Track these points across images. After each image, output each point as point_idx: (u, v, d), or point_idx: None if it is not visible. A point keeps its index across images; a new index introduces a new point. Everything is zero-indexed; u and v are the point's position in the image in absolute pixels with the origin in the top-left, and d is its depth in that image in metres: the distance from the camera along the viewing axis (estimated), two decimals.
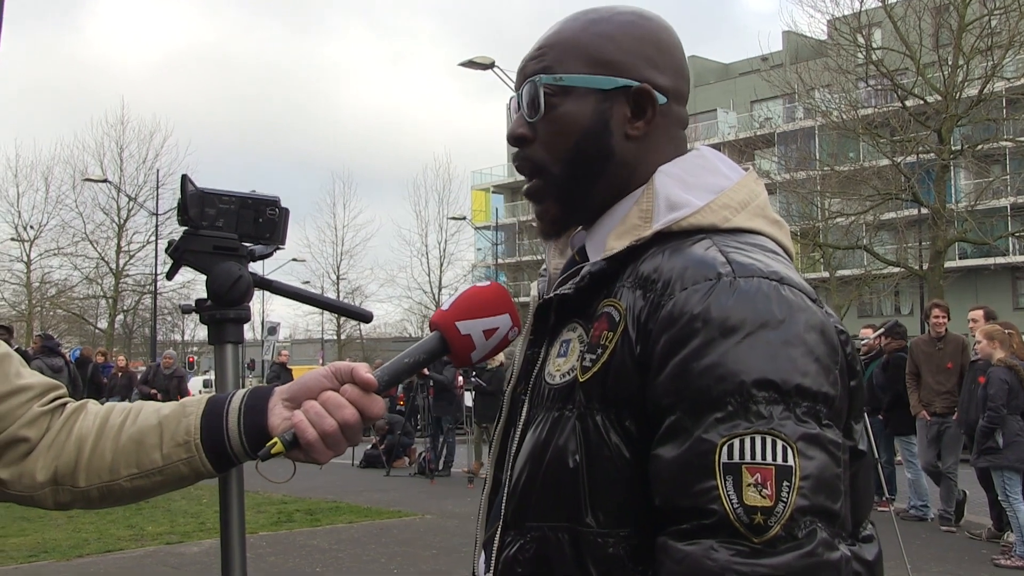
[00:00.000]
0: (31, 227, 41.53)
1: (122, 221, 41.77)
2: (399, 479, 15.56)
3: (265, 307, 46.94)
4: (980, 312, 10.00)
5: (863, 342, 11.81)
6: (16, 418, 1.46)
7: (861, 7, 25.76)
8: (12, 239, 41.25)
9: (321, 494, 12.85)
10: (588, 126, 1.40)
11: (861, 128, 26.34)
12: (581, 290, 1.35)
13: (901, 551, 7.24)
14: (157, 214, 36.68)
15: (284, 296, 1.98)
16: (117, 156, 42.18)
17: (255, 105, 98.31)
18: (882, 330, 11.76)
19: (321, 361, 48.04)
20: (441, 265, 51.15)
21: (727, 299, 1.18)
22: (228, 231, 1.81)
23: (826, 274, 34.67)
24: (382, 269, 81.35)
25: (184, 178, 1.78)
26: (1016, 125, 29.32)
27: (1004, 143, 28.64)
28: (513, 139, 1.45)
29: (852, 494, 1.21)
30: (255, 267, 1.90)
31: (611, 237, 1.36)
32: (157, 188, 37.73)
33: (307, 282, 46.98)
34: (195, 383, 31.55)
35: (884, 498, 9.85)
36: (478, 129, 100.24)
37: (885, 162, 27.23)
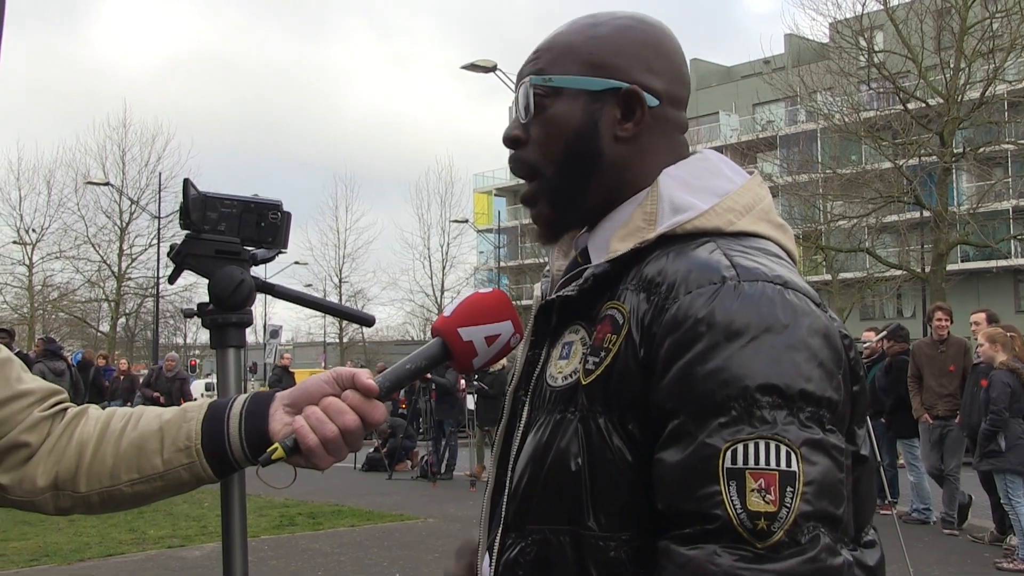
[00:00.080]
0: (33, 230, 41.56)
1: (124, 224, 41.79)
2: (401, 483, 15.56)
3: (267, 310, 47.04)
4: (982, 315, 9.99)
5: (865, 345, 11.80)
6: (17, 423, 1.46)
7: (863, 10, 25.80)
8: (14, 242, 41.27)
9: (323, 498, 12.85)
10: (577, 127, 1.40)
11: (863, 131, 26.35)
12: (584, 292, 1.34)
13: (903, 554, 7.24)
14: (159, 217, 36.71)
15: (286, 300, 1.98)
16: (119, 159, 42.21)
17: (257, 107, 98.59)
18: (884, 333, 11.75)
19: (323, 364, 48.10)
20: (443, 268, 51.17)
21: (731, 303, 1.18)
22: (230, 235, 1.81)
23: (828, 277, 34.68)
24: (384, 272, 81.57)
25: (186, 182, 1.78)
26: (1018, 128, 29.31)
27: (1006, 146, 28.64)
28: (507, 141, 1.46)
29: (854, 499, 1.21)
30: (257, 271, 1.90)
31: (614, 239, 1.36)
32: (159, 191, 37.81)
33: (309, 285, 47.07)
34: (197, 386, 31.61)
35: (886, 501, 9.85)
36: (480, 132, 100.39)
37: (887, 165, 27.24)
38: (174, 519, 11.09)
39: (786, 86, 29.23)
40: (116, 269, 41.67)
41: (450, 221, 51.05)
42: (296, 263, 47.57)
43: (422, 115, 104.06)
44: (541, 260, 46.61)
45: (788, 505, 1.10)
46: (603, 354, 1.27)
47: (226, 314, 1.82)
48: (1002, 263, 38.89)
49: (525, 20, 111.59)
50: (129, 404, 17.46)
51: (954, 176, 29.64)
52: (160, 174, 39.36)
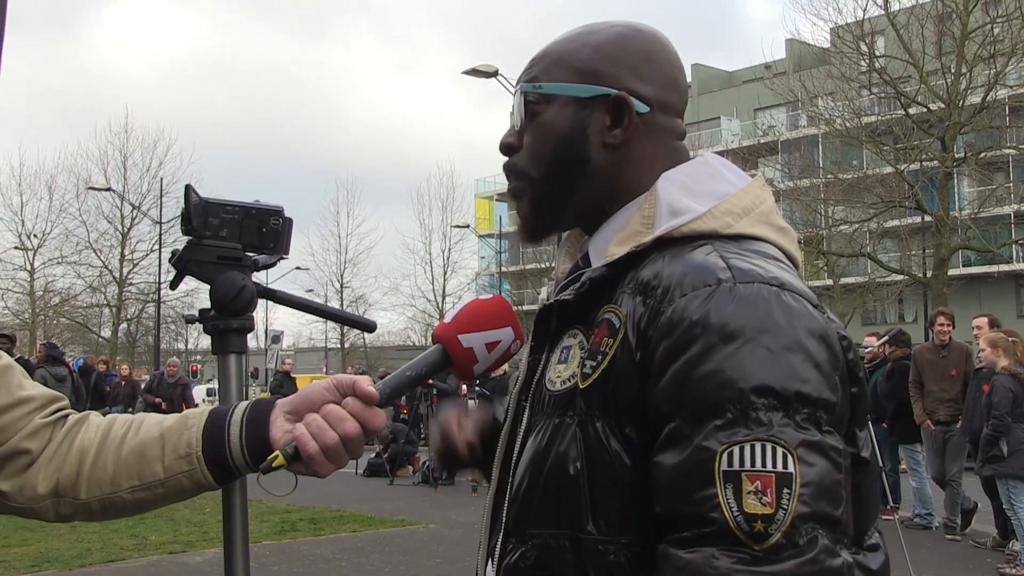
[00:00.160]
0: (35, 236, 41.61)
1: (126, 230, 41.83)
2: (403, 488, 15.54)
3: (269, 316, 46.94)
4: (984, 320, 9.98)
5: (867, 350, 11.80)
6: (18, 430, 1.46)
7: (864, 15, 25.83)
8: (16, 248, 41.30)
9: (325, 503, 12.84)
10: (566, 133, 1.42)
11: (864, 136, 26.40)
12: (581, 296, 1.35)
13: (906, 560, 7.23)
14: (161, 223, 36.72)
15: (288, 306, 1.98)
16: (121, 164, 42.24)
17: (258, 112, 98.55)
18: (886, 338, 11.75)
19: (325, 370, 48.09)
20: (445, 273, 51.12)
21: (727, 305, 1.18)
22: (232, 241, 1.81)
23: (830, 282, 34.66)
24: (386, 277, 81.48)
25: (188, 188, 1.78)
26: (1019, 133, 29.35)
27: (1007, 151, 28.66)
28: (502, 148, 1.49)
29: (857, 502, 1.21)
30: (259, 277, 1.90)
31: (612, 243, 1.37)
32: (161, 197, 37.82)
33: (311, 291, 47.08)
34: (199, 392, 31.60)
35: (888, 507, 9.83)
36: (482, 137, 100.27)
37: (888, 170, 27.26)
38: (175, 525, 11.09)
39: (787, 91, 29.26)
40: (117, 274, 41.71)
41: (451, 226, 51.09)
42: (297, 268, 47.60)
43: (424, 120, 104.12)
44: (543, 265, 46.63)
45: (785, 507, 1.10)
46: (600, 358, 1.27)
47: (227, 320, 1.82)
48: (1004, 268, 38.82)
49: (527, 25, 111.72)
50: (131, 410, 17.49)
51: (955, 181, 29.63)
52: (162, 179, 39.41)
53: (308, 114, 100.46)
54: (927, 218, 26.06)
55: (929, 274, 26.08)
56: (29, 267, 41.67)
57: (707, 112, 51.88)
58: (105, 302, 43.04)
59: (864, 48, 25.83)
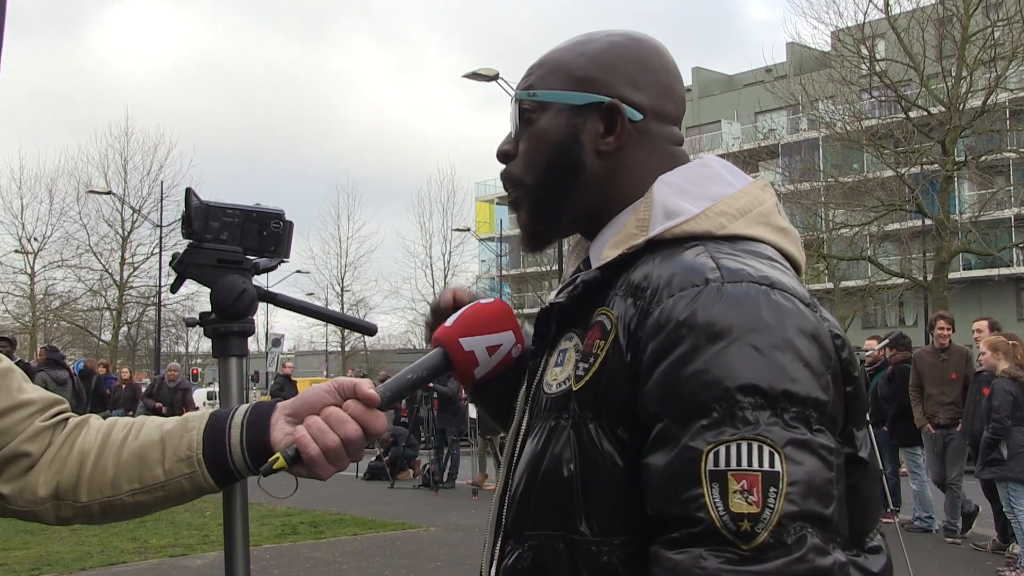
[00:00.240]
0: (35, 239, 41.60)
1: (126, 233, 41.82)
2: (403, 491, 15.54)
3: (269, 319, 46.99)
4: (984, 323, 9.98)
5: (867, 353, 11.80)
6: (18, 433, 1.46)
7: (865, 19, 25.85)
8: (16, 251, 41.30)
9: (325, 506, 12.84)
10: (559, 140, 1.43)
11: (865, 139, 26.40)
12: (575, 299, 1.36)
13: (906, 563, 7.23)
14: (161, 226, 36.71)
15: (288, 309, 1.98)
16: (121, 168, 42.23)
17: (259, 115, 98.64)
18: (886, 341, 11.74)
19: (325, 373, 48.05)
20: (445, 277, 51.08)
21: (713, 305, 1.18)
22: (232, 244, 1.81)
23: (830, 285, 34.68)
24: (386, 281, 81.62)
25: (188, 191, 1.79)
26: (1020, 136, 29.38)
27: (1008, 154, 28.67)
28: (499, 155, 1.50)
29: (857, 503, 1.21)
30: (259, 280, 1.90)
31: (608, 246, 1.37)
32: (161, 200, 37.79)
33: (311, 294, 47.06)
34: (200, 395, 31.57)
35: (888, 510, 9.83)
36: (482, 140, 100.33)
37: (889, 173, 27.26)
38: (176, 528, 11.09)
39: (788, 94, 29.24)
40: (118, 278, 41.69)
41: (452, 230, 51.12)
42: (298, 272, 47.64)
43: (424, 123, 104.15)
44: (543, 269, 46.60)
45: (771, 506, 1.09)
46: (592, 360, 1.28)
47: (228, 323, 1.82)
48: (1004, 271, 38.85)
49: (527, 26, 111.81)
50: (131, 413, 17.46)
51: (956, 184, 29.66)
52: (162, 183, 39.36)
53: (308, 117, 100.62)
54: (927, 221, 26.06)
55: (929, 277, 26.08)
56: (29, 270, 41.69)
57: (708, 115, 51.89)
58: (105, 305, 43.04)
59: (865, 51, 25.82)
